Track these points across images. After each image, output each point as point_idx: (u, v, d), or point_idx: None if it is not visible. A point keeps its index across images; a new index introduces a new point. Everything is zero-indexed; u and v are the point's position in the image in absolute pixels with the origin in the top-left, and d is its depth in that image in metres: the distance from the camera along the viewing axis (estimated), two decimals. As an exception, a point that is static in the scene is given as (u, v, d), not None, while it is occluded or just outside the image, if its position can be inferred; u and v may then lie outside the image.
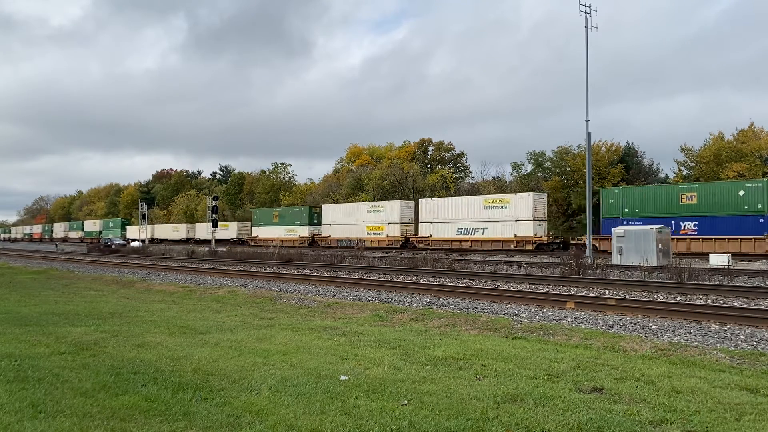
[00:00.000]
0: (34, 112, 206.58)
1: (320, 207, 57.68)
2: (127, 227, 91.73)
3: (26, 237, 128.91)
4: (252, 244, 60.40)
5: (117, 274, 24.94)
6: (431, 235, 44.14)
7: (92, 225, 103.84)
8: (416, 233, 46.86)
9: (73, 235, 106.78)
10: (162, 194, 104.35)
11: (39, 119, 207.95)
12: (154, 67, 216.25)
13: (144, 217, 68.32)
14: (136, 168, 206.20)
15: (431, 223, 44.70)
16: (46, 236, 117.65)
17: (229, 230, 67.67)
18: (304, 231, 56.25)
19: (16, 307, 12.78)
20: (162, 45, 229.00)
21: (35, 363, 6.74)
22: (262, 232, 60.75)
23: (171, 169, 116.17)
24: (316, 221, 55.82)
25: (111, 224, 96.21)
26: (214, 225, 48.17)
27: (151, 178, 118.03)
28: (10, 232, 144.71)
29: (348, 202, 65.01)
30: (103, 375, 6.19)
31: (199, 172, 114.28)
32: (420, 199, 48.15)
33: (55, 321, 10.51)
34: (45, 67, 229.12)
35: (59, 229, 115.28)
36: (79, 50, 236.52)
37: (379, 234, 48.73)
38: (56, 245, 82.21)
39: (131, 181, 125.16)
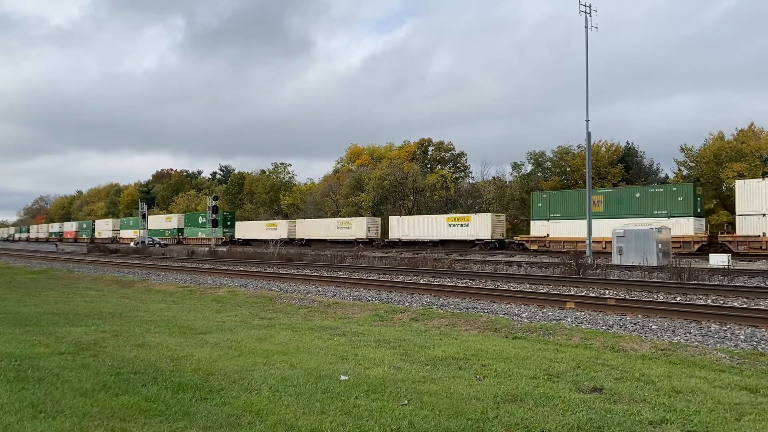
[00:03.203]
0: (33, 111, 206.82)
1: (718, 183, 37.31)
2: (237, 223, 69.59)
3: (54, 237, 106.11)
4: (536, 248, 39.55)
5: (117, 274, 24.93)
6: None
7: (163, 221, 76.96)
8: None
9: (128, 234, 79.72)
10: (162, 194, 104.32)
11: (38, 119, 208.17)
12: (153, 67, 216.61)
13: (144, 217, 68.15)
14: (135, 168, 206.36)
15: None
16: (84, 236, 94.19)
17: (472, 226, 46.92)
18: (684, 225, 33.71)
19: (16, 307, 12.77)
20: (161, 45, 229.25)
21: (35, 363, 6.74)
22: (557, 228, 39.23)
23: (171, 169, 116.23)
24: (700, 210, 34.98)
25: (201, 219, 69.03)
26: (214, 225, 48.23)
27: (151, 178, 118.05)
28: (28, 231, 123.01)
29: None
30: (103, 375, 6.19)
31: (199, 172, 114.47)
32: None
33: (55, 321, 10.51)
34: (44, 67, 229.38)
35: (104, 228, 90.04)
36: (77, 50, 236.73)
37: None
38: (56, 245, 79.91)
39: (130, 181, 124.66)
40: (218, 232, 63.95)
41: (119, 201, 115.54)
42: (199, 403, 5.15)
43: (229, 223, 69.04)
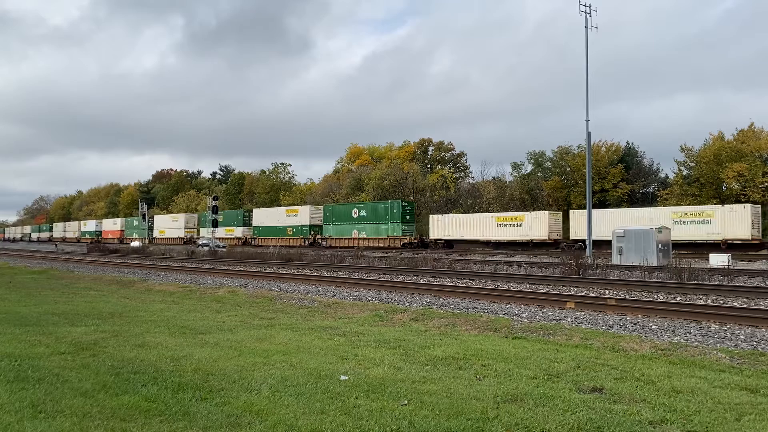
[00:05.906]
0: (32, 111, 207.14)
1: None
2: (436, 218, 47.57)
3: (87, 238, 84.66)
4: None
5: (117, 274, 24.93)
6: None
7: (282, 216, 54.29)
8: None
9: (219, 235, 57.06)
10: (162, 194, 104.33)
11: (36, 119, 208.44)
12: (152, 67, 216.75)
13: (144, 217, 67.88)
14: (134, 168, 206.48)
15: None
16: (136, 236, 68.45)
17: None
18: None
19: (16, 307, 12.76)
20: (160, 45, 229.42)
21: (35, 363, 6.74)
22: None
23: (171, 169, 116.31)
24: None
25: (356, 212, 49.36)
26: (214, 225, 48.20)
27: (150, 178, 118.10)
28: (51, 230, 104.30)
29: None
30: (103, 375, 6.19)
31: (199, 172, 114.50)
32: None
33: (55, 321, 10.50)
34: (43, 67, 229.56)
35: (170, 225, 64.01)
36: (76, 50, 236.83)
37: None
38: (56, 245, 78.21)
39: (129, 181, 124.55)
40: (392, 230, 47.25)
41: (119, 201, 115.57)
42: (199, 403, 5.15)
43: (408, 217, 48.64)
